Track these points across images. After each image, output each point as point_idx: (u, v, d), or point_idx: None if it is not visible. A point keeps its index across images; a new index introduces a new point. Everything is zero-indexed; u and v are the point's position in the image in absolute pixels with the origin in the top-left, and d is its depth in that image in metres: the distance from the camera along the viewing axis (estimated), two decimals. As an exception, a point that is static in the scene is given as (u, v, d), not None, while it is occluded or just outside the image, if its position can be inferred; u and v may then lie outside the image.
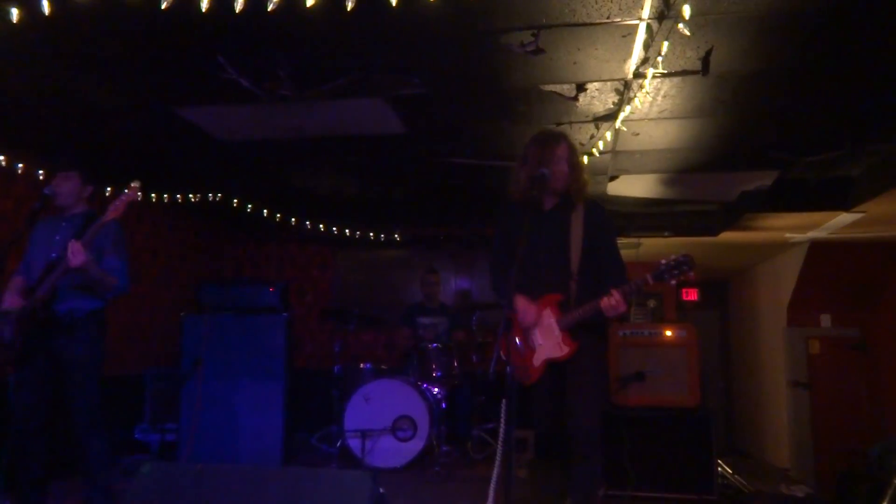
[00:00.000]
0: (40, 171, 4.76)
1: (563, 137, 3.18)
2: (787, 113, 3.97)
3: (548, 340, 3.02)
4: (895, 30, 2.92)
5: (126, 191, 3.41)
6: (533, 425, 3.22)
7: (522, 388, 3.11)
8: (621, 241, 7.00)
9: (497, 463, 2.90)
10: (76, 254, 3.21)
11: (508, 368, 2.57)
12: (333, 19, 2.73)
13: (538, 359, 3.04)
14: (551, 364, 3.03)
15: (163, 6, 2.60)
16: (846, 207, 5.19)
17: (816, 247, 6.86)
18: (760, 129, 4.25)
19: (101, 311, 3.56)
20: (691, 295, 10.31)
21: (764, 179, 5.21)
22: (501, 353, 3.08)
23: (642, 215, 6.47)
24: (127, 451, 5.33)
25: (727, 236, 6.59)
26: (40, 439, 3.38)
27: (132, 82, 3.64)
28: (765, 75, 3.42)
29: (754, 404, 9.23)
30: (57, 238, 3.48)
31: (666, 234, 6.71)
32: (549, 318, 3.03)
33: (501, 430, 3.01)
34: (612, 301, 2.85)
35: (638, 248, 7.13)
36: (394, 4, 2.49)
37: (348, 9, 2.51)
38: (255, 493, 1.79)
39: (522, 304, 3.06)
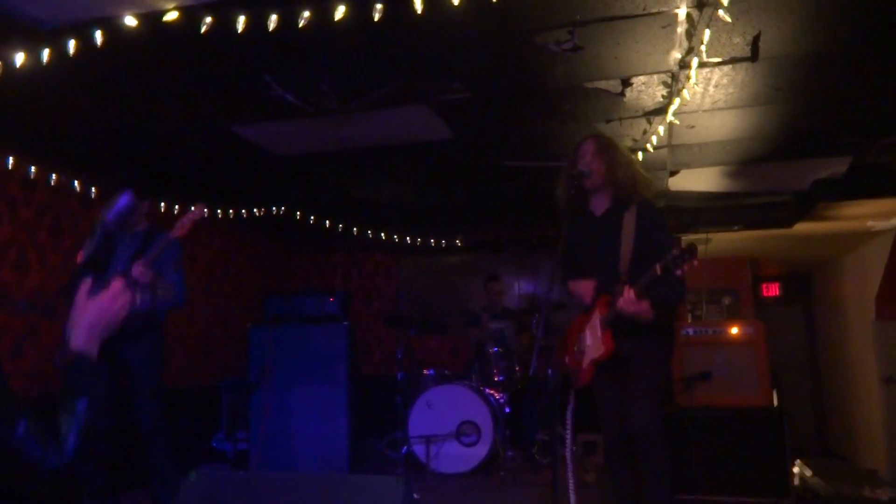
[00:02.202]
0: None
1: (591, 136, 3.13)
2: (852, 94, 3.75)
3: (593, 341, 2.98)
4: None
5: (192, 210, 3.61)
6: (601, 430, 3.17)
7: (586, 392, 3.07)
8: (689, 237, 6.78)
9: (570, 468, 2.89)
10: (142, 273, 3.44)
11: (550, 371, 2.53)
12: (365, 30, 2.77)
13: (586, 361, 3.01)
14: (604, 367, 2.96)
15: (202, 30, 2.71)
16: (929, 191, 4.87)
17: (903, 234, 6.45)
18: (826, 113, 4.03)
19: (161, 321, 3.77)
20: (772, 290, 9.91)
21: (837, 166, 4.93)
22: (566, 358, 3.08)
23: (709, 210, 6.23)
24: (206, 460, 5.55)
25: (803, 227, 6.28)
26: (106, 444, 3.59)
27: (189, 104, 3.80)
28: (822, 57, 3.25)
29: (845, 403, 8.75)
30: (122, 254, 3.70)
31: (736, 227, 6.44)
32: (597, 319, 2.98)
33: (568, 435, 2.99)
34: (622, 298, 2.75)
35: (707, 243, 6.87)
36: (419, 12, 2.50)
37: (375, 18, 2.54)
38: (291, 500, 1.83)
39: (583, 284, 3.10)
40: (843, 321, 8.63)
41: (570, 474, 2.71)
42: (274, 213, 6.18)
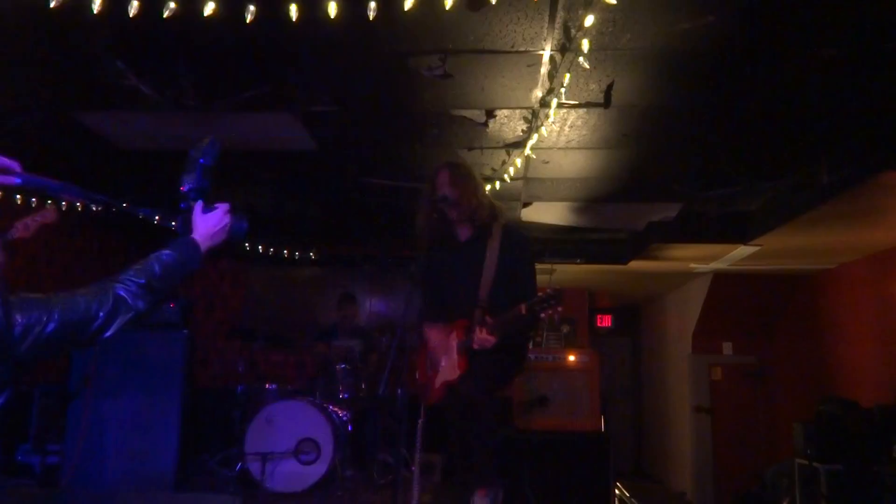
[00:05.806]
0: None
1: (443, 165, 3.22)
2: (687, 148, 4.14)
3: (448, 364, 3.06)
4: (780, 75, 3.09)
5: (44, 211, 3.24)
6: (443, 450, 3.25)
7: (432, 413, 3.10)
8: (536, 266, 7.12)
9: (416, 480, 2.90)
10: None
11: (399, 391, 2.55)
12: (236, 30, 2.67)
13: (438, 381, 3.08)
14: (452, 388, 3.02)
15: (52, 4, 2.49)
16: (744, 240, 5.44)
17: (719, 277, 7.17)
18: (664, 162, 4.41)
19: None
20: (605, 321, 10.60)
21: (669, 211, 5.40)
22: (416, 375, 3.10)
23: (556, 242, 6.59)
24: (8, 473, 4.99)
25: (636, 265, 6.79)
26: None
27: (27, 82, 3.47)
28: (664, 111, 3.56)
29: (661, 429, 9.50)
30: None
31: (578, 261, 6.85)
32: (453, 342, 3.06)
33: (417, 450, 3.01)
34: (477, 337, 2.87)
35: (552, 273, 7.25)
36: (294, 20, 2.46)
37: (248, 20, 2.46)
38: (114, 521, 1.69)
39: (432, 332, 3.14)
40: (664, 353, 9.40)
41: (415, 485, 2.71)
42: (114, 210, 5.74)
